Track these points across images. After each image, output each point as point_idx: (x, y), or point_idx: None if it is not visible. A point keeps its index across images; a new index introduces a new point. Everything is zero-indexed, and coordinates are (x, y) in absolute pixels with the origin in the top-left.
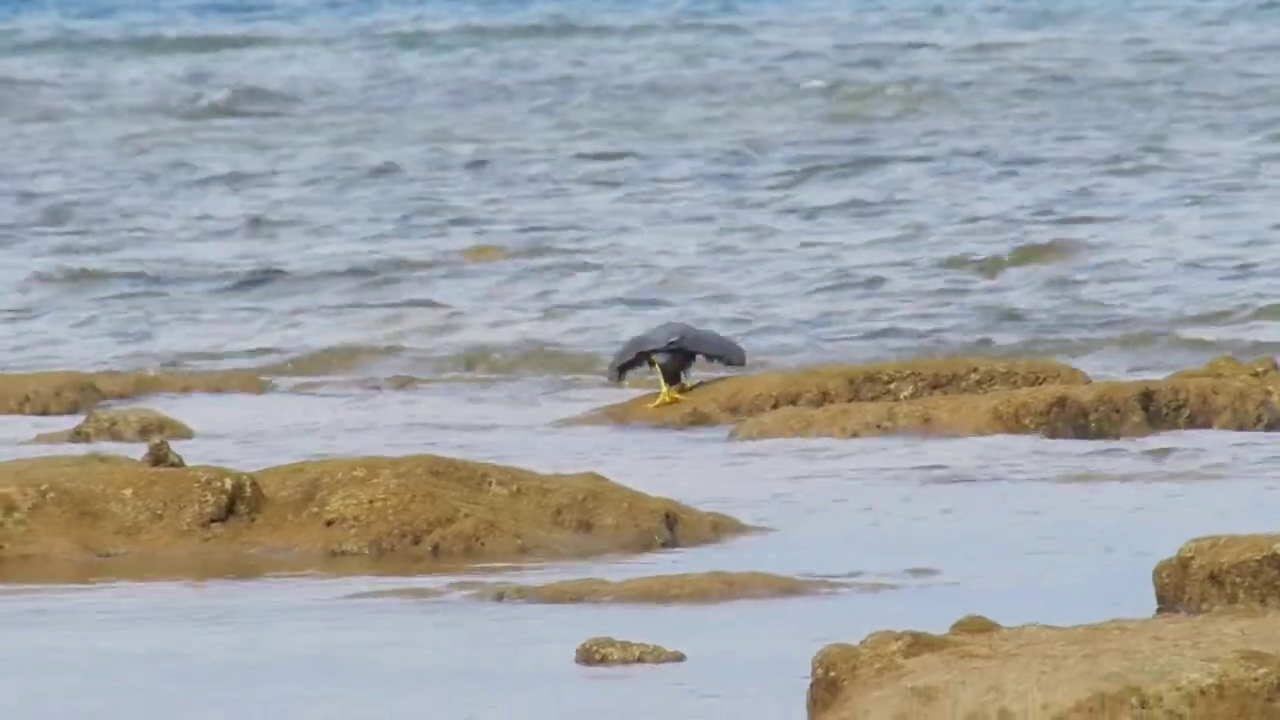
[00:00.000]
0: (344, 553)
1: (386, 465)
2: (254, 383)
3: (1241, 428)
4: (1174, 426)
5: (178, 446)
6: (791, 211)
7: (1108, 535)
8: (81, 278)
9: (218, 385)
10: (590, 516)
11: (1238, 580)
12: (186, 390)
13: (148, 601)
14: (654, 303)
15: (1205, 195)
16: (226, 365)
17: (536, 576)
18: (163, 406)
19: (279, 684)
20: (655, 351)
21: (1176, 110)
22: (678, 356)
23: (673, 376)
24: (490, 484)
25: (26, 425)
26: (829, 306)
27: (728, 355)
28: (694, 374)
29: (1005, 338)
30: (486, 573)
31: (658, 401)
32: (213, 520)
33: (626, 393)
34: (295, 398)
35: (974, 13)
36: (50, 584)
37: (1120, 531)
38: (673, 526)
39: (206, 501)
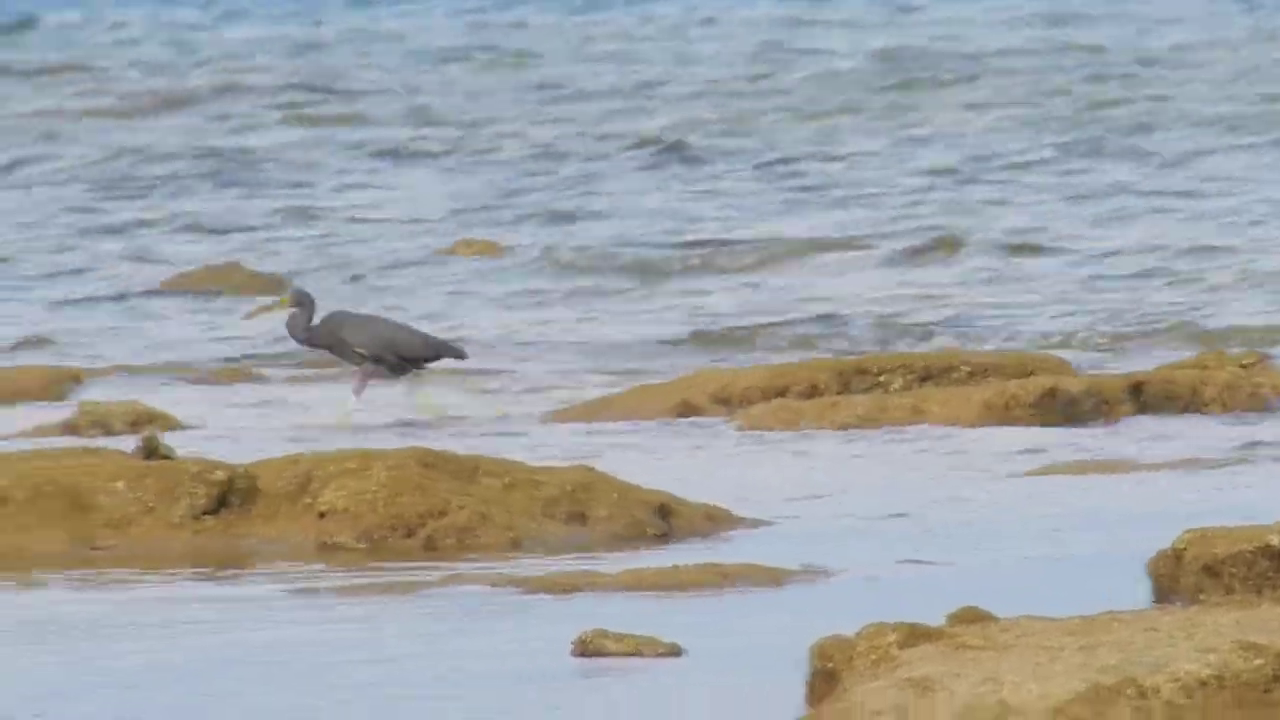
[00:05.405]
0: (336, 545)
1: (378, 457)
2: (238, 374)
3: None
4: (1164, 417)
5: (167, 438)
6: None
7: (1103, 526)
8: None
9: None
10: (583, 508)
11: (1233, 571)
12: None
13: (135, 595)
14: None
15: None
16: None
17: (530, 569)
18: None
19: (270, 680)
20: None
21: None
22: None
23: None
24: (481, 476)
25: (15, 417)
26: None
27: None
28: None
29: None
30: (480, 565)
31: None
32: (205, 513)
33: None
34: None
35: None
36: (42, 575)
37: (1115, 522)
38: (666, 518)
39: (198, 494)
